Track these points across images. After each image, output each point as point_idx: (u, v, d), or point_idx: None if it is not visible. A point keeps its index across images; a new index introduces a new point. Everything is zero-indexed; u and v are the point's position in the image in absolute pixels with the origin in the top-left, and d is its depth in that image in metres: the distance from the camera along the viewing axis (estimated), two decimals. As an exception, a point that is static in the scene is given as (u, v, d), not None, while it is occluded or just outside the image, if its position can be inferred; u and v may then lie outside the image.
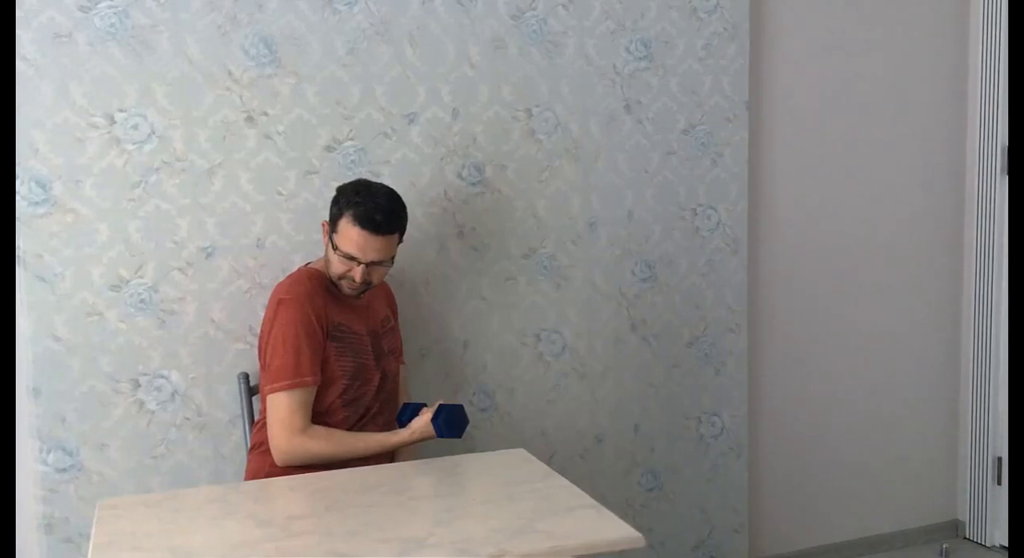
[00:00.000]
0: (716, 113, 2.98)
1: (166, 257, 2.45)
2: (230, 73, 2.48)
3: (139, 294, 2.43)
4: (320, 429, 1.93)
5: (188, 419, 1.71)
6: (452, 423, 1.91)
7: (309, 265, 2.06)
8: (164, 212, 2.44)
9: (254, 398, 1.98)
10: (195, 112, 2.46)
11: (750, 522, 3.16)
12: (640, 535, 1.73)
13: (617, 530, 1.75)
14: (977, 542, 3.42)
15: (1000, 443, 3.35)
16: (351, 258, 1.97)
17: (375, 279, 2.01)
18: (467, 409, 1.92)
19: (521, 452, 1.79)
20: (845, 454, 3.33)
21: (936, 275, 3.40)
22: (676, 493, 3.04)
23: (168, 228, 2.44)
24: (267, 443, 1.93)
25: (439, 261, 2.59)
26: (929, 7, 3.27)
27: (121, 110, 2.40)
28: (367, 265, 1.97)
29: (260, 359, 1.96)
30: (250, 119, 2.50)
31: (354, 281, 1.99)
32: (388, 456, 1.98)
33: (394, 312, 2.12)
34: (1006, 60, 3.21)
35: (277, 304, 1.97)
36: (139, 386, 2.43)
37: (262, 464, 1.92)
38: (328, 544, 1.70)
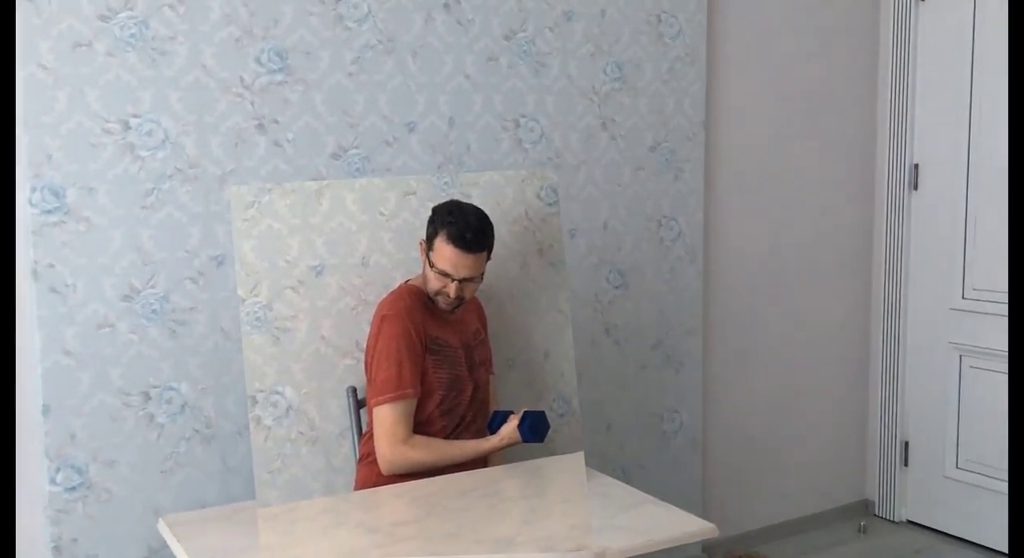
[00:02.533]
0: (678, 132, 3.19)
1: (177, 267, 2.41)
2: (242, 79, 2.46)
3: (151, 304, 2.39)
4: (421, 438, 1.98)
5: (302, 433, 1.71)
6: (536, 428, 2.01)
7: (409, 282, 2.10)
8: (176, 220, 2.40)
9: (362, 411, 2.00)
10: (207, 118, 2.42)
11: (703, 511, 3.40)
12: (713, 525, 1.89)
13: (689, 522, 1.91)
14: (887, 519, 3.80)
15: (906, 429, 3.74)
16: (446, 274, 2.04)
17: (467, 294, 2.08)
18: (548, 415, 2.02)
19: (579, 455, 1.92)
20: (779, 444, 3.63)
21: (850, 280, 3.76)
22: (642, 488, 3.22)
23: (180, 237, 2.41)
24: (374, 454, 1.96)
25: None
26: (845, 40, 3.61)
27: (135, 115, 2.34)
28: (460, 281, 2.04)
29: (366, 373, 1.98)
30: (260, 126, 2.49)
31: (449, 297, 2.06)
32: (482, 461, 2.05)
33: (484, 325, 2.19)
34: (912, 86, 3.59)
35: (381, 320, 2.01)
36: (150, 399, 2.38)
37: (370, 474, 1.95)
38: (429, 547, 1.77)
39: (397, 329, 1.97)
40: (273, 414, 1.74)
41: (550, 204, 2.00)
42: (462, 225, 2.01)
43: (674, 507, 1.97)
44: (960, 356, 3.55)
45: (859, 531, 3.70)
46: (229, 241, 2.46)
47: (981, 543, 3.50)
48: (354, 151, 2.61)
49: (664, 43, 3.13)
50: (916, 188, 3.66)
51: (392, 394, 1.95)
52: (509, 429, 2.02)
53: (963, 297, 3.52)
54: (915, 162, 3.65)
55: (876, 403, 3.83)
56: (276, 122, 2.51)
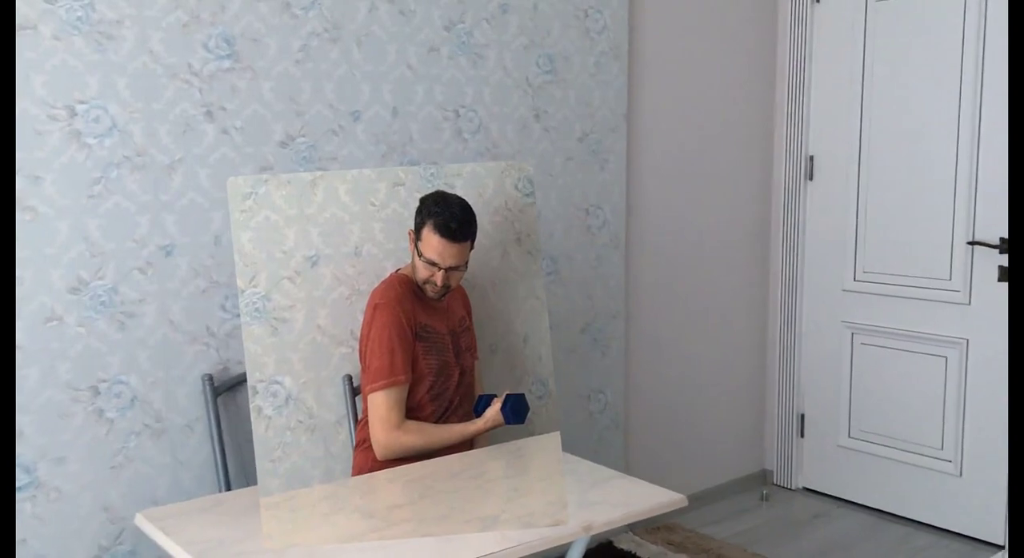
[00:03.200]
0: (604, 124, 3.31)
1: (125, 257, 2.36)
2: (190, 66, 2.42)
3: (99, 296, 2.33)
4: (412, 423, 2.02)
5: (300, 422, 1.70)
6: (517, 411, 2.08)
7: (399, 271, 2.11)
8: (124, 209, 2.35)
9: (357, 398, 2.00)
10: (155, 105, 2.37)
11: (624, 486, 3.56)
12: (683, 496, 2.02)
13: (659, 494, 2.03)
14: (784, 487, 4.07)
15: (802, 402, 4.01)
16: (433, 263, 2.07)
17: (453, 283, 2.12)
18: (528, 397, 2.09)
19: (555, 435, 2.01)
20: (687, 421, 3.82)
21: (750, 265, 3.99)
22: (570, 465, 3.35)
23: (128, 226, 2.35)
24: (369, 440, 1.98)
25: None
26: (746, 39, 3.81)
27: (82, 101, 2.27)
28: (446, 270, 2.08)
29: (361, 361, 1.99)
30: (209, 113, 2.45)
31: (436, 285, 2.09)
32: (468, 444, 2.10)
33: (469, 313, 2.23)
34: (808, 83, 3.84)
35: (373, 309, 2.02)
36: (99, 393, 2.33)
37: (365, 460, 1.96)
38: (423, 529, 1.83)
39: (388, 317, 2.00)
40: (273, 404, 1.74)
41: (527, 194, 2.07)
42: (447, 215, 2.05)
43: (640, 480, 2.09)
44: (852, 333, 3.83)
45: (761, 499, 3.95)
46: (177, 231, 2.43)
47: (872, 506, 3.80)
48: (301, 139, 2.60)
49: (591, 38, 3.24)
50: (811, 178, 3.91)
51: (385, 381, 1.98)
52: (493, 412, 2.09)
53: (854, 279, 3.80)
54: (810, 154, 3.90)
55: (774, 379, 4.08)
56: (224, 109, 2.47)
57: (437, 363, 2.10)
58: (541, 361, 2.10)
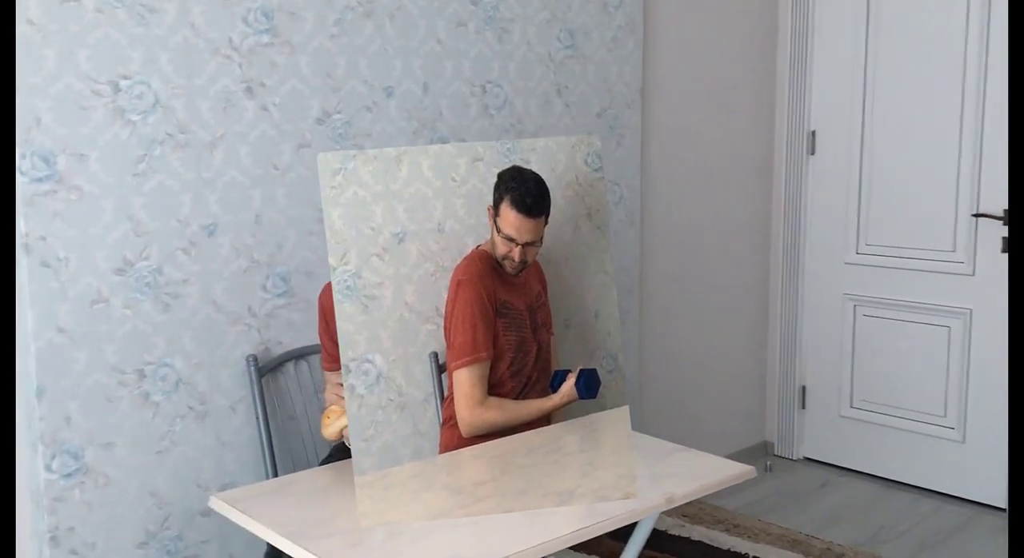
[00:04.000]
0: (620, 99, 3.31)
1: (169, 237, 2.31)
2: (230, 40, 2.36)
3: (144, 277, 2.27)
4: (494, 400, 2.02)
5: (391, 400, 1.68)
6: (590, 385, 2.08)
7: (480, 247, 2.09)
8: (167, 188, 2.29)
9: (443, 375, 1.98)
10: (197, 80, 2.31)
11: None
12: (752, 468, 2.05)
13: (726, 466, 2.06)
14: (785, 458, 4.15)
15: (804, 374, 4.09)
16: (511, 239, 2.06)
17: (529, 258, 2.11)
18: (599, 372, 2.10)
19: (624, 409, 2.04)
20: (691, 394, 3.87)
21: (753, 238, 4.04)
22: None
23: (172, 205, 2.30)
24: (455, 417, 1.97)
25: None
26: (749, 16, 3.83)
27: (125, 77, 2.20)
28: (523, 245, 2.07)
29: (446, 338, 1.98)
30: (249, 89, 2.40)
31: (514, 261, 2.09)
32: (545, 419, 2.10)
33: (544, 288, 2.22)
34: (811, 57, 3.88)
35: (457, 285, 2.01)
36: (145, 376, 2.28)
37: (452, 437, 1.95)
38: (505, 504, 1.83)
39: (471, 294, 2.00)
40: (365, 382, 1.73)
41: (596, 169, 2.07)
42: (523, 190, 2.04)
43: (701, 452, 2.12)
44: (854, 306, 3.91)
45: (765, 470, 4.02)
46: (220, 209, 2.38)
47: (874, 473, 3.90)
48: (337, 116, 2.57)
49: (608, 12, 3.23)
50: (813, 153, 3.96)
51: (469, 357, 1.98)
52: (568, 387, 2.10)
53: (857, 252, 3.87)
54: (812, 129, 3.95)
55: (776, 352, 4.15)
56: (263, 85, 2.43)
57: (516, 339, 2.10)
58: (610, 336, 2.11)
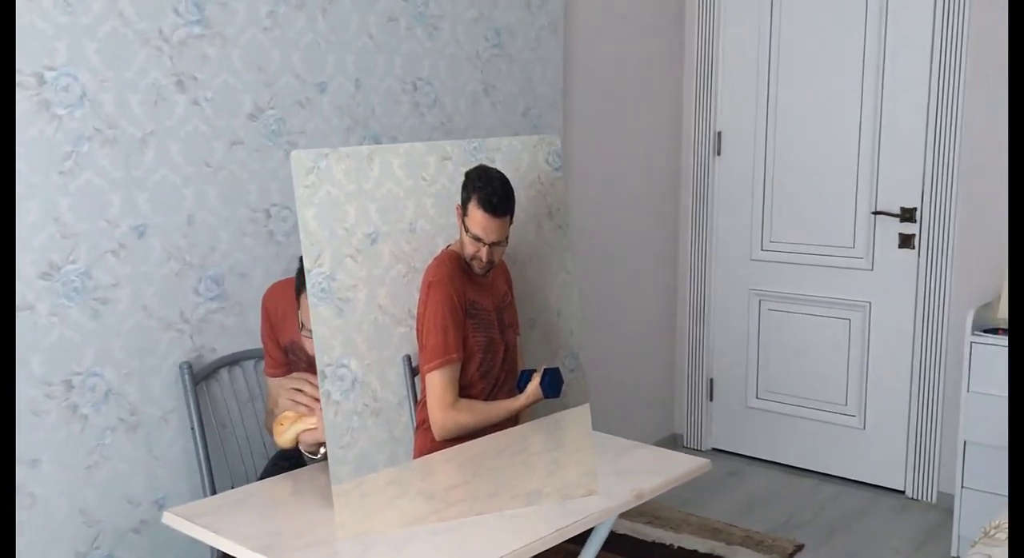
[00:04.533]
0: (543, 99, 3.32)
1: (98, 239, 2.17)
2: (160, 31, 2.24)
3: (72, 282, 2.13)
4: (464, 402, 1.97)
5: (366, 406, 1.61)
6: (554, 384, 2.07)
7: (449, 247, 2.04)
8: (96, 187, 2.16)
9: (416, 378, 1.92)
10: (126, 73, 2.19)
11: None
12: (707, 461, 2.09)
13: (684, 461, 2.10)
14: (695, 449, 4.26)
15: (711, 367, 4.20)
16: (478, 239, 2.03)
17: (496, 258, 2.08)
18: (562, 371, 2.08)
19: (585, 407, 2.05)
20: (602, 388, 3.92)
21: (661, 236, 4.12)
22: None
23: (100, 205, 2.17)
24: (428, 420, 1.91)
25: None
26: (659, 19, 3.90)
27: (51, 68, 2.06)
28: (490, 245, 2.04)
29: (418, 340, 1.91)
30: (180, 83, 2.29)
31: (482, 261, 2.05)
32: (514, 419, 2.08)
33: (511, 288, 2.17)
34: (716, 61, 3.99)
35: (428, 286, 1.95)
36: (73, 387, 2.14)
37: (425, 441, 1.89)
38: (476, 507, 1.81)
39: (441, 295, 1.96)
40: (340, 388, 1.66)
41: (556, 168, 2.06)
42: (489, 190, 2.02)
43: (658, 448, 2.15)
44: (759, 300, 4.05)
45: (678, 461, 4.12)
46: (150, 209, 2.26)
47: (780, 461, 4.05)
48: (270, 112, 2.48)
49: (532, 11, 3.24)
50: (719, 154, 4.08)
51: (440, 360, 1.94)
52: (533, 387, 2.09)
53: (761, 248, 4.01)
54: (718, 130, 4.06)
55: (684, 346, 4.25)
56: (195, 79, 2.31)
57: (485, 340, 2.07)
58: (572, 335, 2.11)
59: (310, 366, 2.16)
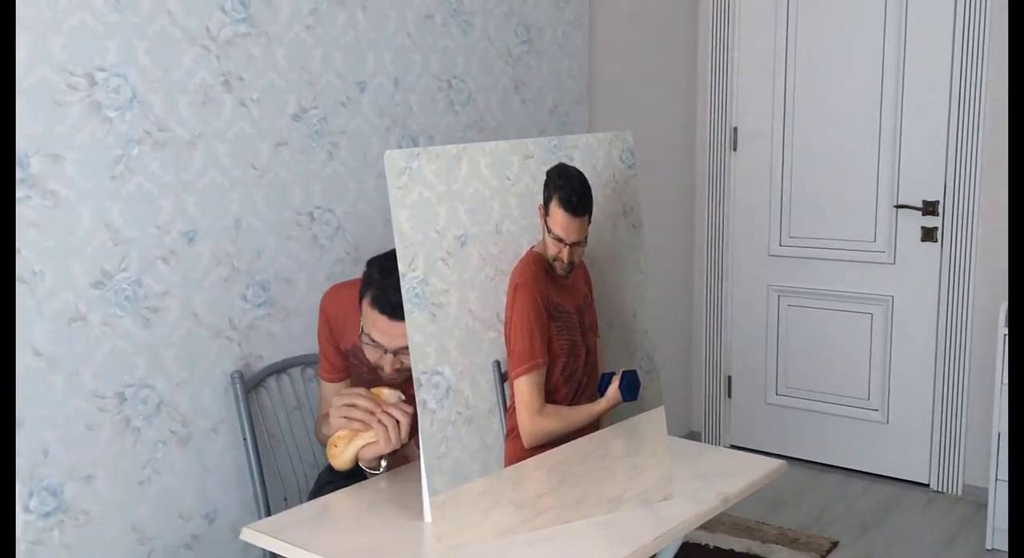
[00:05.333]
0: (570, 96, 3.28)
1: (148, 245, 2.10)
2: (208, 30, 2.16)
3: (123, 290, 2.05)
4: (550, 407, 1.92)
5: (459, 414, 1.55)
6: (632, 387, 2.02)
7: (533, 248, 1.97)
8: (147, 192, 2.08)
9: (505, 384, 1.86)
10: (175, 73, 2.11)
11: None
12: (783, 462, 2.06)
13: (760, 462, 2.06)
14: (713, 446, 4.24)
15: (729, 365, 4.19)
16: (559, 239, 1.97)
17: (576, 258, 2.02)
18: (639, 373, 2.04)
19: (660, 410, 2.02)
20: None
21: (677, 232, 4.10)
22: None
23: (151, 210, 2.09)
24: (517, 428, 1.85)
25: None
26: (674, 16, 3.88)
27: (102, 69, 1.98)
28: (570, 246, 1.98)
29: (506, 344, 1.85)
30: (227, 83, 2.21)
31: (563, 262, 1.99)
32: (595, 423, 2.02)
33: (591, 289, 2.12)
34: (732, 55, 3.97)
35: (514, 289, 1.89)
36: (125, 400, 2.06)
37: (515, 449, 1.83)
38: (564, 515, 1.77)
39: (527, 298, 1.90)
40: (435, 396, 1.60)
41: (630, 166, 2.01)
42: (569, 189, 1.96)
43: (731, 450, 2.12)
44: (778, 296, 4.03)
45: (699, 459, 4.10)
46: (199, 214, 2.19)
47: (801, 457, 4.04)
48: (313, 112, 2.41)
49: (559, 7, 3.19)
50: (735, 149, 4.06)
51: (527, 365, 1.89)
52: (613, 390, 2.04)
53: (780, 244, 4.00)
54: (734, 125, 4.04)
55: (701, 343, 4.23)
56: (241, 79, 2.24)
57: (568, 343, 2.02)
58: (647, 336, 2.06)
59: (370, 371, 2.09)
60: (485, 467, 1.68)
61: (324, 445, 2.28)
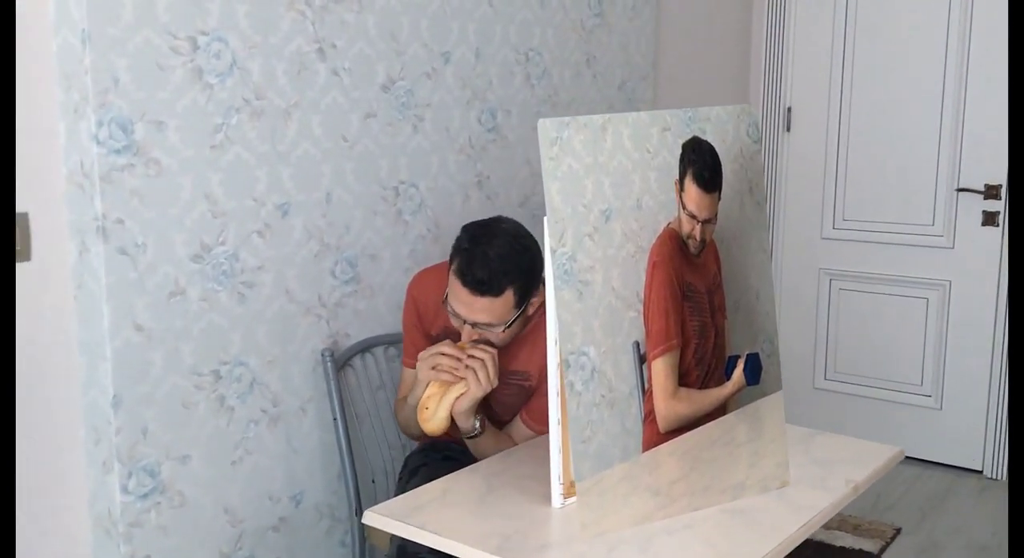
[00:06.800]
0: (637, 71, 3.20)
1: (245, 218, 2.02)
2: (303, -6, 2.08)
3: (220, 264, 1.98)
4: (683, 391, 1.85)
5: (603, 397, 1.48)
6: (755, 371, 1.96)
7: (669, 225, 1.90)
8: (244, 162, 2.00)
9: (643, 366, 1.79)
10: (272, 39, 2.02)
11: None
12: (901, 449, 2.01)
13: (877, 448, 2.01)
14: (759, 430, 4.20)
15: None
16: (693, 216, 1.90)
17: (708, 236, 1.95)
18: (761, 356, 1.98)
19: (779, 395, 1.97)
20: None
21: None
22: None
23: (248, 182, 2.01)
24: (654, 411, 1.79)
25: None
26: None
27: (203, 32, 1.89)
28: (702, 223, 1.91)
29: (644, 325, 1.78)
30: (320, 51, 2.13)
31: (696, 239, 1.92)
32: (722, 408, 1.96)
33: (719, 269, 2.05)
34: (787, 33, 3.90)
35: (652, 267, 1.82)
36: (220, 378, 1.99)
37: (652, 433, 1.77)
38: (694, 503, 1.72)
39: (663, 276, 1.83)
40: (582, 378, 1.53)
41: (755, 141, 1.94)
42: (701, 163, 1.89)
43: (841, 436, 2.07)
44: (830, 279, 3.98)
45: (747, 444, 4.05)
46: (293, 187, 2.11)
47: (850, 442, 4.00)
48: (401, 83, 2.33)
49: (629, -20, 3.11)
50: (789, 130, 3.99)
51: (664, 346, 1.82)
52: (738, 373, 1.98)
53: (833, 227, 3.94)
54: (788, 106, 3.97)
55: (749, 327, 4.17)
56: (334, 47, 2.16)
57: (699, 324, 1.96)
58: (768, 317, 2.00)
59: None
60: (625, 452, 1.62)
61: (403, 429, 2.21)
